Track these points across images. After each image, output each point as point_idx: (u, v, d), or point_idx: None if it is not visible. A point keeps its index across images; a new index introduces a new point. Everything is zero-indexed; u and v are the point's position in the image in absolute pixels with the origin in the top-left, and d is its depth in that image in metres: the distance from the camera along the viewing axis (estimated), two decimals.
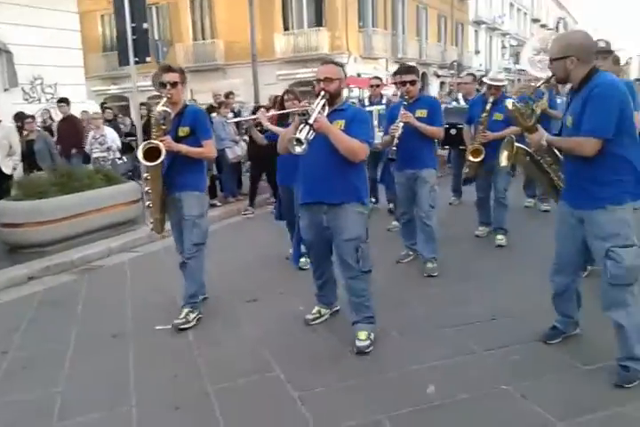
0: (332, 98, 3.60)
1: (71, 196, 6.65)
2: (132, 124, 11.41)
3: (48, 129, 10.61)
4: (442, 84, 31.91)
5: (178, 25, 26.24)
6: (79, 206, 6.65)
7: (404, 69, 5.29)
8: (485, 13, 39.09)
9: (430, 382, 3.20)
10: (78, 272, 5.86)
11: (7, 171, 7.97)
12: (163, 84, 4.14)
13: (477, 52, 38.88)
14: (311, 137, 3.32)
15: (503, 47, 43.74)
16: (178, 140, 4.10)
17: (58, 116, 10.74)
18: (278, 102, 5.91)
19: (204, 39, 26.25)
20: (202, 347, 3.85)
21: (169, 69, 4.21)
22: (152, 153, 3.96)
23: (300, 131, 3.30)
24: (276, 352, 3.66)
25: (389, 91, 11.87)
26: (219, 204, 8.57)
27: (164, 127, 4.07)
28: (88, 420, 3.04)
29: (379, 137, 5.63)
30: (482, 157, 5.72)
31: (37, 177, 7.12)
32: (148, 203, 4.31)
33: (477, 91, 8.32)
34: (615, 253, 2.95)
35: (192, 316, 4.22)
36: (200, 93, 20.60)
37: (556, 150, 3.26)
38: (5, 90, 11.80)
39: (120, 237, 6.83)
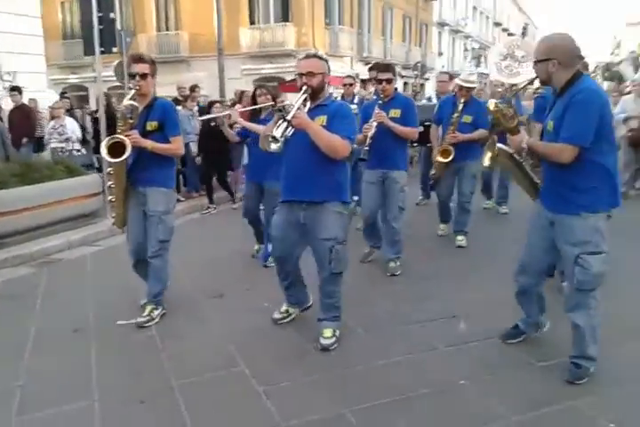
0: (315, 93, 3.50)
1: (32, 187, 6.52)
2: (92, 115, 11.12)
3: None
4: (405, 84, 32.22)
5: (141, 14, 25.75)
6: (40, 198, 6.53)
7: (382, 67, 5.25)
8: (449, 15, 39.65)
9: (393, 377, 3.29)
10: (37, 265, 5.76)
11: None
12: (132, 75, 3.98)
13: (441, 53, 39.40)
14: (289, 134, 3.28)
15: (465, 50, 44.42)
16: (145, 134, 3.96)
17: (9, 105, 10.38)
18: (250, 97, 5.87)
19: (167, 30, 25.87)
20: (165, 342, 3.84)
21: (140, 60, 4.02)
22: (117, 148, 3.83)
23: (277, 127, 3.23)
24: (241, 348, 3.68)
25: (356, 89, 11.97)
26: (182, 199, 8.49)
27: (130, 121, 3.93)
28: (48, 414, 3.01)
29: None
30: (451, 157, 5.77)
31: None
32: (110, 197, 4.17)
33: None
34: (584, 260, 2.99)
35: (156, 313, 4.19)
36: (163, 86, 20.32)
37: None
38: None
39: (81, 230, 6.72)
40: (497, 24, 52.67)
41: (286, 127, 3.24)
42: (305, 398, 3.09)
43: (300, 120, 3.28)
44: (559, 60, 2.96)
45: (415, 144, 6.19)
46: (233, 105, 9.26)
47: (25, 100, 10.43)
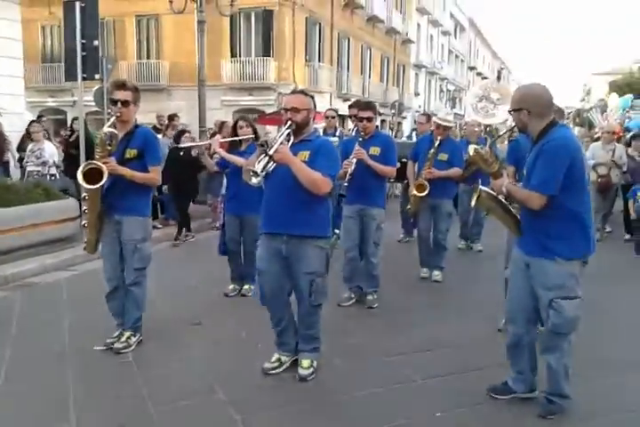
0: (299, 128, 3.52)
1: (9, 209, 6.47)
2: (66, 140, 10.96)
3: None
4: (382, 121, 32.88)
5: (123, 42, 25.97)
6: (16, 220, 6.49)
7: (363, 105, 5.30)
8: (426, 58, 40.86)
9: (371, 407, 3.33)
10: (11, 288, 5.69)
11: None
12: (114, 102, 3.93)
13: (417, 93, 40.42)
14: (271, 168, 3.30)
15: (441, 91, 45.68)
16: (124, 161, 3.93)
17: None
18: (231, 128, 5.93)
19: (148, 58, 26.09)
20: (143, 368, 3.83)
21: (122, 87, 3.99)
22: (93, 174, 3.76)
23: (259, 162, 3.26)
24: (219, 375, 3.70)
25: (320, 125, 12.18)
26: (159, 226, 8.50)
27: (109, 148, 3.88)
28: None
29: None
30: (426, 191, 5.86)
31: None
32: (84, 222, 4.11)
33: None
34: (558, 305, 3.04)
35: (133, 339, 4.18)
36: (143, 113, 20.39)
37: None
38: None
39: (57, 255, 6.66)
40: (471, 68, 54.43)
41: (268, 162, 3.27)
42: None
43: (281, 155, 3.30)
44: (530, 110, 3.05)
45: (392, 180, 6.33)
46: (213, 135, 9.37)
47: (5, 123, 10.39)
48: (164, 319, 4.73)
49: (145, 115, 19.92)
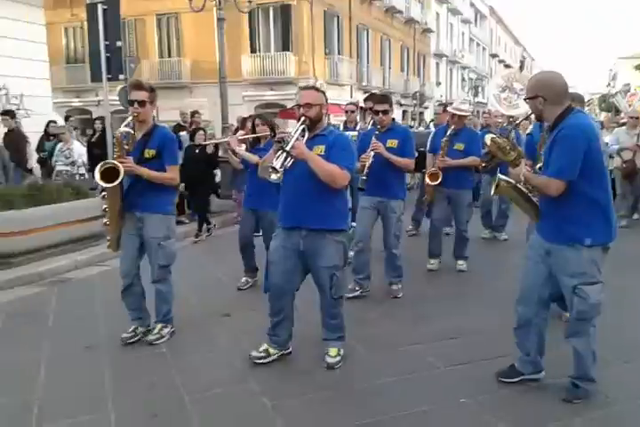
0: (313, 123, 3.59)
1: (41, 208, 6.68)
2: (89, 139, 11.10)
3: None
4: (404, 112, 32.76)
5: (144, 41, 26.30)
6: (48, 219, 6.69)
7: (378, 98, 5.30)
8: (446, 47, 40.52)
9: (396, 394, 3.43)
10: (47, 284, 5.90)
11: None
12: (131, 102, 4.01)
13: (439, 83, 40.14)
14: (289, 164, 3.36)
15: (463, 80, 45.26)
16: (142, 161, 4.00)
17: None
18: (250, 127, 6.06)
19: (170, 56, 26.37)
20: (176, 358, 3.98)
21: (139, 87, 4.05)
22: (111, 173, 3.83)
23: (277, 158, 3.32)
24: (249, 365, 3.82)
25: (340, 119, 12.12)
26: (186, 221, 8.67)
27: (126, 147, 3.96)
28: (68, 425, 3.14)
29: None
30: (438, 180, 5.89)
31: (7, 188, 7.11)
32: (105, 221, 4.13)
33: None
34: (582, 291, 3.08)
35: (165, 331, 4.33)
36: (165, 111, 20.68)
37: None
38: None
39: (88, 251, 6.86)
40: (493, 55, 53.77)
41: (286, 157, 3.33)
42: (312, 414, 3.23)
43: (299, 150, 3.37)
44: (545, 97, 3.07)
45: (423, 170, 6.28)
46: (236, 131, 9.52)
47: (32, 124, 10.63)
48: (195, 312, 4.88)
49: (168, 112, 20.26)
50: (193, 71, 25.16)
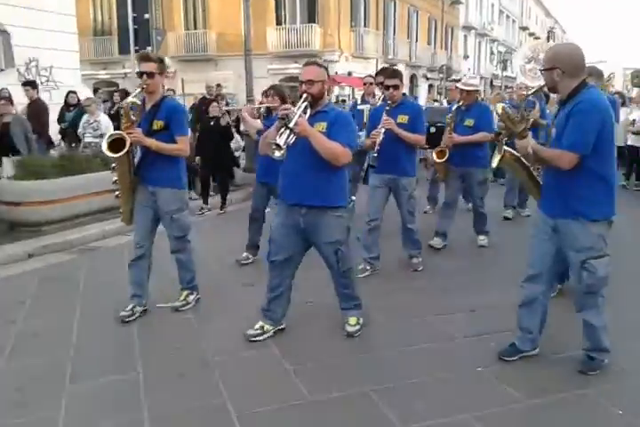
0: (315, 100, 3.57)
1: (71, 178, 6.85)
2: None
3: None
4: (430, 86, 32.34)
5: (170, 13, 26.22)
6: (78, 189, 6.87)
7: (388, 73, 5.25)
8: (475, 19, 39.66)
9: (414, 362, 3.53)
10: (77, 252, 6.10)
11: None
12: (140, 74, 4.02)
13: (466, 56, 39.43)
14: (291, 141, 3.32)
15: (491, 53, 44.37)
16: (152, 133, 4.00)
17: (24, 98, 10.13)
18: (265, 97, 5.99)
19: (195, 29, 26.30)
20: (201, 323, 4.14)
21: (147, 59, 4.05)
22: (119, 144, 3.83)
23: (280, 135, 3.30)
24: (272, 331, 3.93)
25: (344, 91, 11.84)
26: (212, 193, 8.77)
27: (133, 118, 3.94)
28: (98, 383, 3.31)
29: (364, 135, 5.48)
30: (445, 157, 5.79)
31: (38, 158, 7.28)
32: (116, 193, 4.15)
33: None
34: (590, 265, 3.12)
35: (191, 297, 4.47)
36: (191, 83, 20.74)
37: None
38: (1, 70, 11.84)
39: (116, 221, 6.98)
40: (523, 28, 52.48)
41: (289, 135, 3.30)
42: (331, 378, 3.34)
43: (302, 128, 3.35)
44: (563, 69, 3.06)
45: (427, 147, 6.18)
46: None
47: (60, 96, 10.74)
48: (220, 281, 5.03)
49: (193, 84, 20.26)
50: (218, 44, 25.10)
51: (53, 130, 10.14)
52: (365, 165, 5.58)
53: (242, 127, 8.67)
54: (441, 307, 4.43)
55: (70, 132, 9.80)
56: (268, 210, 5.74)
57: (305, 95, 3.52)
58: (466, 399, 3.11)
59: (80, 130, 9.48)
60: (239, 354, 3.64)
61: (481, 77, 42.75)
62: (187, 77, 21.69)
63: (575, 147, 3.02)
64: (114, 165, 4.02)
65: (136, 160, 4.12)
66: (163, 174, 4.10)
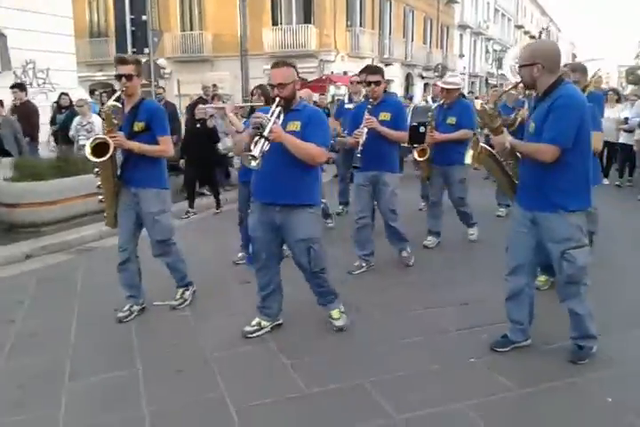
0: (287, 101, 3.56)
1: (68, 179, 6.90)
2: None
3: None
4: (426, 85, 32.37)
5: (166, 14, 26.20)
6: (75, 189, 6.91)
7: (371, 69, 5.21)
8: (471, 18, 39.74)
9: (407, 354, 3.60)
10: (75, 252, 6.15)
11: None
12: (118, 77, 3.99)
13: (462, 55, 39.49)
14: (266, 148, 3.28)
15: (487, 52, 44.47)
16: (133, 135, 3.99)
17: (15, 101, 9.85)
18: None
19: (192, 30, 26.34)
20: (198, 320, 4.19)
21: (123, 61, 4.02)
22: (102, 148, 3.82)
23: (255, 144, 3.26)
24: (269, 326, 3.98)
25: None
26: (207, 193, 8.82)
27: (115, 122, 3.92)
28: (98, 380, 3.36)
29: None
30: (426, 156, 5.81)
31: (34, 160, 7.33)
32: (100, 197, 4.14)
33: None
34: (570, 255, 3.21)
35: (187, 293, 4.53)
36: (187, 84, 20.80)
37: (518, 154, 3.41)
38: None
39: None
40: (519, 27, 52.59)
41: (264, 143, 3.27)
42: (327, 371, 3.41)
43: (276, 135, 3.32)
44: (543, 64, 3.13)
45: (416, 146, 6.18)
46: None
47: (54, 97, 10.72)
48: (216, 278, 5.08)
49: (189, 85, 20.26)
50: (214, 44, 25.15)
51: (45, 132, 10.15)
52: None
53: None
54: (433, 301, 4.49)
55: (61, 135, 9.72)
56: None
57: (278, 99, 3.50)
58: (459, 389, 3.17)
59: (72, 132, 9.36)
60: (236, 349, 3.69)
61: (476, 76, 42.92)
62: (182, 78, 21.75)
63: (557, 140, 3.08)
64: (97, 169, 4.01)
65: (119, 163, 4.10)
66: (145, 175, 4.09)
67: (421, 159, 5.88)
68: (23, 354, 3.72)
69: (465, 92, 21.35)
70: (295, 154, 3.48)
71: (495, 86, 14.32)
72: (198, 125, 7.86)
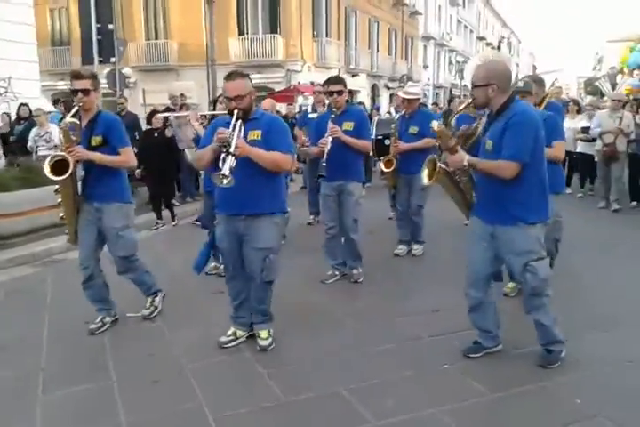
0: (246, 112, 3.55)
1: (34, 190, 6.77)
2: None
3: None
4: (392, 96, 32.75)
5: (131, 23, 25.94)
6: (41, 200, 6.77)
7: (332, 80, 5.23)
8: (434, 29, 40.48)
9: (382, 361, 3.65)
10: (41, 265, 6.05)
11: None
12: (74, 92, 3.89)
13: (426, 66, 40.17)
14: (234, 164, 3.29)
15: (450, 63, 45.28)
16: (91, 150, 3.90)
17: None
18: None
19: (156, 39, 26.15)
20: (172, 331, 4.18)
21: (79, 76, 3.93)
22: (61, 165, 3.72)
23: (224, 162, 3.27)
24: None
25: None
26: (177, 203, 8.78)
27: (74, 138, 3.82)
28: (72, 393, 3.32)
29: None
30: (392, 167, 5.83)
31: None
32: (61, 215, 4.10)
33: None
34: (532, 267, 3.30)
35: (157, 300, 4.50)
36: (152, 93, 20.63)
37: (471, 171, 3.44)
38: None
39: None
40: (480, 38, 53.74)
41: (231, 159, 3.28)
42: (303, 379, 3.44)
43: (242, 149, 3.35)
44: (498, 85, 3.24)
45: (382, 158, 6.23)
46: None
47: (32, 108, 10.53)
48: (187, 290, 5.03)
49: (155, 95, 20.07)
50: (180, 54, 25.00)
51: None
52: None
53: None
54: (405, 309, 4.57)
55: (18, 146, 9.45)
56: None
57: (236, 112, 3.48)
58: (434, 395, 3.23)
59: (30, 144, 9.06)
60: (212, 359, 3.69)
61: (440, 87, 43.63)
62: (148, 88, 21.58)
63: (516, 156, 3.18)
64: (57, 187, 3.93)
65: (79, 179, 4.01)
66: (108, 190, 4.02)
67: (388, 170, 5.93)
68: None
69: (429, 102, 21.66)
70: (262, 164, 3.50)
71: (452, 99, 14.58)
72: (156, 135, 7.69)
